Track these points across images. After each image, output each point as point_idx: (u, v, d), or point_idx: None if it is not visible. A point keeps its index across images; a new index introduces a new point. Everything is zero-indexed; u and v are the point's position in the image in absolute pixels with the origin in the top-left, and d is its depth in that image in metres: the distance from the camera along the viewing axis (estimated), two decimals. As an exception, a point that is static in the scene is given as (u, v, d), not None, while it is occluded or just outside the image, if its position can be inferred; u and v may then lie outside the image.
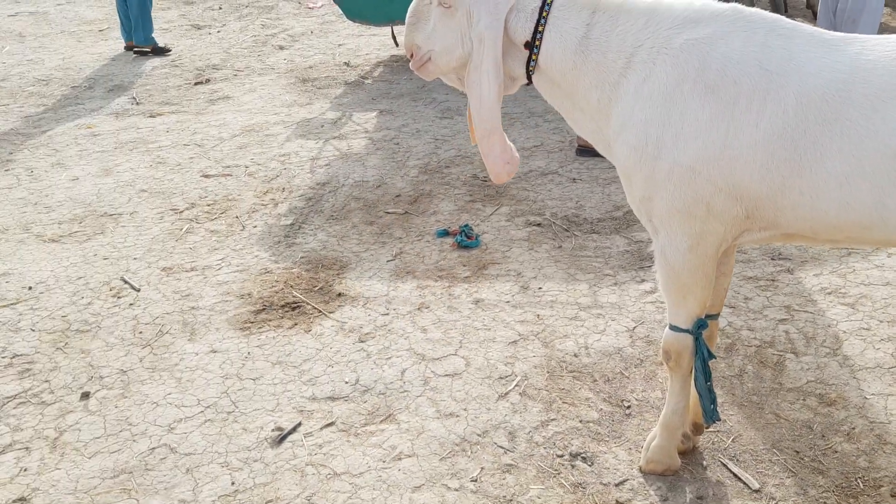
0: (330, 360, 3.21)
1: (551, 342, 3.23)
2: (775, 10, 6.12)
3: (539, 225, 4.23)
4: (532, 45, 2.22)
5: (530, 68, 2.26)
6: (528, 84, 2.35)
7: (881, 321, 3.19)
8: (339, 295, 3.68)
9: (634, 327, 3.29)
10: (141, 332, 3.47)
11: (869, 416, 2.71)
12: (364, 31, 8.57)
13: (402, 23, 2.47)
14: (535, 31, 2.20)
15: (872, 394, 2.81)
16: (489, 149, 2.34)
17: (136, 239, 4.34)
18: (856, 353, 3.02)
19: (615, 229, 4.12)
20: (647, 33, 2.07)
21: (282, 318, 3.53)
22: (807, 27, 2.02)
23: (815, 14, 7.19)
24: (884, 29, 6.92)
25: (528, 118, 5.81)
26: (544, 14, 2.19)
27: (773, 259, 3.72)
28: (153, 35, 8.28)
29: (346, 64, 7.63)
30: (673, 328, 2.32)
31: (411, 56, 2.47)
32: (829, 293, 3.42)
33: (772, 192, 1.98)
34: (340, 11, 7.52)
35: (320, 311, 3.55)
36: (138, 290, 3.81)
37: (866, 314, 3.25)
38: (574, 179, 4.74)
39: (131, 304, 3.69)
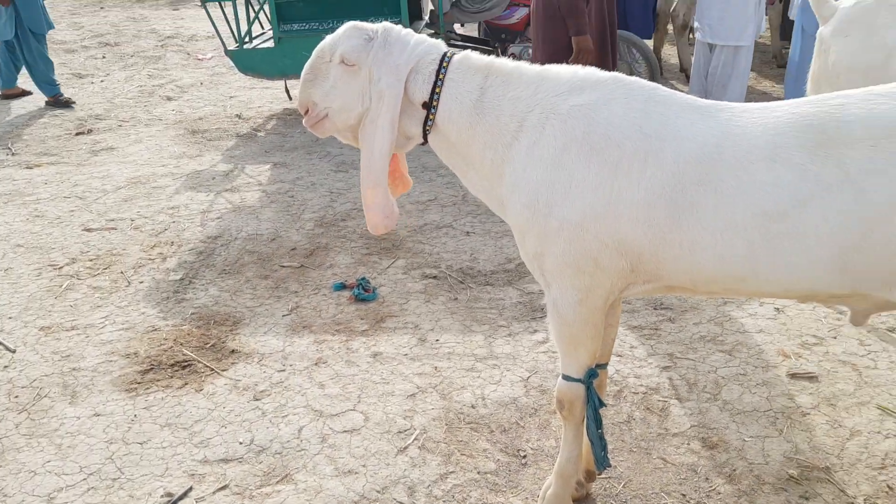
0: (223, 420, 3.11)
1: (449, 394, 3.26)
2: (652, 74, 6.52)
3: (435, 277, 4.28)
4: (430, 105, 2.30)
5: (427, 127, 2.33)
6: (423, 143, 2.42)
7: (756, 367, 3.40)
8: (233, 352, 3.59)
9: (528, 377, 3.37)
10: (17, 396, 3.27)
11: (748, 457, 2.86)
12: (256, 83, 8.54)
13: (297, 77, 2.48)
14: (433, 92, 2.28)
15: (750, 436, 2.97)
16: (372, 200, 2.40)
17: (11, 297, 4.11)
18: (734, 398, 3.19)
19: (508, 281, 4.22)
20: (537, 99, 2.19)
21: (171, 377, 3.41)
22: (682, 95, 2.18)
23: (688, 77, 7.71)
24: (750, 91, 7.48)
25: (423, 172, 5.91)
26: (441, 76, 2.27)
27: (655, 309, 3.90)
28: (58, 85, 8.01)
29: (238, 116, 7.56)
30: (566, 378, 2.39)
31: (306, 112, 2.49)
32: (709, 341, 3.61)
33: (653, 247, 2.10)
34: (231, 64, 7.48)
35: (212, 370, 3.45)
36: (13, 352, 3.60)
37: (742, 360, 3.45)
38: (468, 233, 4.85)
39: (6, 367, 3.48)
